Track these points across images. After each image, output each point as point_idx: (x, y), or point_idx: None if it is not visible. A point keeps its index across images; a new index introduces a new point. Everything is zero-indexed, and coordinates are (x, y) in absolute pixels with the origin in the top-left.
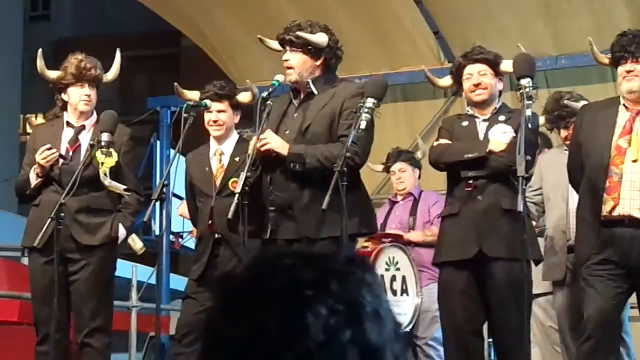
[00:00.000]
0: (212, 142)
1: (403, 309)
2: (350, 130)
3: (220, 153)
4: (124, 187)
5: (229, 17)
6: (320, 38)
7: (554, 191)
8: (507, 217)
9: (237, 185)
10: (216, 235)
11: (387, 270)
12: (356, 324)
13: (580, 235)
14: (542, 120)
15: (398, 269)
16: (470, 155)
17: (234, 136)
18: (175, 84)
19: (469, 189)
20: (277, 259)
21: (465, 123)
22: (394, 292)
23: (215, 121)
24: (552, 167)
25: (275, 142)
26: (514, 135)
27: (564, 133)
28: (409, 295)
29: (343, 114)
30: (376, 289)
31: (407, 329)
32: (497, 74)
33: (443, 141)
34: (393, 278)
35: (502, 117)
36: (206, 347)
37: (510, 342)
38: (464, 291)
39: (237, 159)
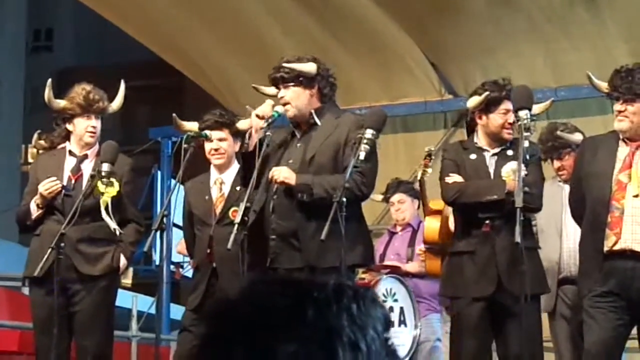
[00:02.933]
0: (213, 171)
1: (401, 340)
2: (350, 161)
3: (220, 182)
4: (115, 226)
5: (228, 56)
6: (309, 67)
7: (548, 223)
8: (525, 255)
9: (236, 214)
10: (214, 265)
11: (384, 301)
12: (328, 354)
13: (582, 269)
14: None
15: (396, 300)
16: (490, 198)
17: (235, 165)
18: (174, 115)
19: (486, 229)
20: (259, 284)
21: (473, 156)
22: (392, 324)
23: (216, 149)
24: (545, 198)
25: (284, 172)
26: (526, 172)
27: (557, 164)
28: (407, 327)
29: (348, 145)
30: (362, 320)
31: (406, 359)
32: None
33: (456, 177)
34: (390, 309)
35: (510, 152)
36: (197, 346)
37: None
38: (476, 326)
39: (238, 188)
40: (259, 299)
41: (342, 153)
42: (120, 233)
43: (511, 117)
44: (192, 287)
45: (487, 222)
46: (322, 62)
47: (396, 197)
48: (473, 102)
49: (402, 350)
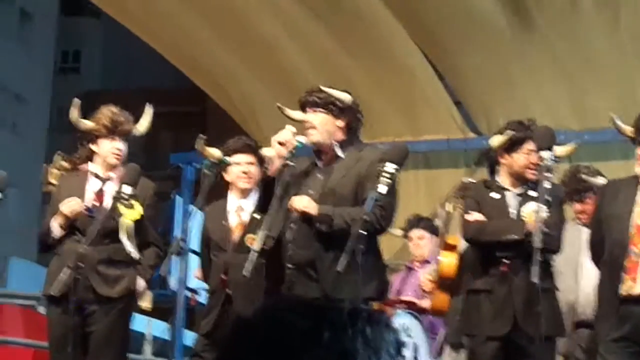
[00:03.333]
0: (232, 197)
1: None
2: (370, 194)
3: (240, 209)
4: (131, 249)
5: (252, 78)
6: (344, 96)
7: (566, 265)
8: (543, 296)
9: (253, 241)
10: (228, 291)
11: None
12: None
13: (599, 313)
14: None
15: (410, 336)
16: (509, 237)
17: (255, 194)
18: (200, 135)
19: (504, 268)
20: (277, 305)
21: (495, 195)
22: (404, 345)
23: (245, 173)
24: (564, 241)
25: (304, 202)
26: (548, 213)
27: (578, 207)
28: None
29: (369, 178)
30: (376, 343)
31: None
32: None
33: (476, 215)
34: (402, 345)
35: (533, 193)
36: None
37: None
38: None
39: (257, 215)
40: (279, 320)
41: (363, 186)
42: (138, 258)
43: (535, 158)
44: (205, 312)
45: (506, 261)
46: (353, 96)
47: (415, 233)
48: (497, 141)
49: None
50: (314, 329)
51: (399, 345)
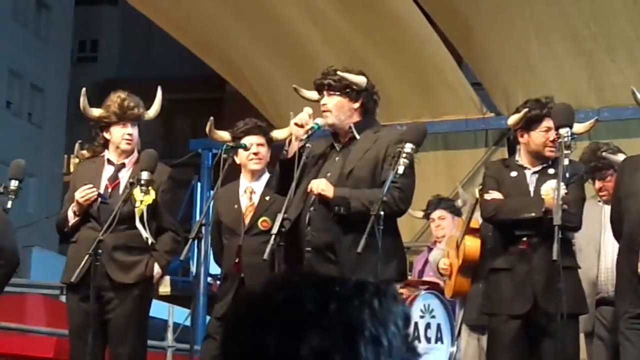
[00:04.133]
0: (243, 179)
1: (437, 357)
2: (388, 175)
3: (251, 191)
4: (147, 235)
5: (271, 63)
6: (360, 79)
7: (587, 243)
8: (563, 274)
9: (267, 224)
10: (242, 275)
11: (421, 317)
12: (350, 347)
13: (618, 290)
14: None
15: (433, 317)
16: (527, 215)
17: (266, 175)
18: (211, 118)
19: (523, 246)
20: (287, 278)
21: (514, 174)
22: (429, 340)
23: (256, 154)
24: (585, 218)
25: (322, 185)
26: (566, 191)
27: (598, 184)
28: (444, 344)
29: (387, 160)
30: (383, 316)
31: None
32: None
33: (495, 194)
34: (428, 326)
35: (551, 171)
36: (222, 356)
37: None
38: (512, 342)
39: (267, 197)
40: (291, 289)
41: (380, 168)
42: (152, 243)
43: (552, 135)
44: (220, 295)
45: (525, 239)
46: (369, 77)
47: (437, 214)
48: (513, 119)
49: None
50: (320, 300)
51: (407, 317)
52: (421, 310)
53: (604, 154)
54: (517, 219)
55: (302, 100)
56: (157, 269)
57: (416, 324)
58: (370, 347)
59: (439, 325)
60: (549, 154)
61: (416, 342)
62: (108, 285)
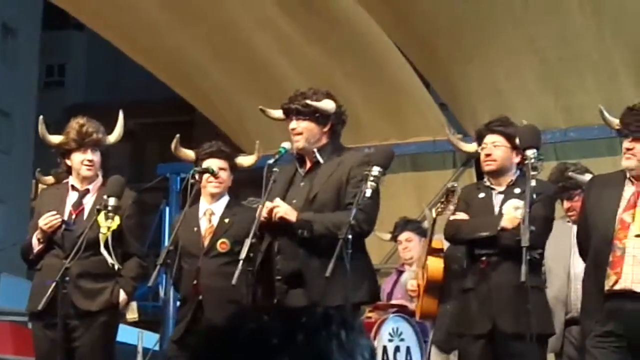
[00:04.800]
0: (202, 202)
1: None
2: (356, 199)
3: (210, 213)
4: (112, 261)
5: (237, 86)
6: (328, 105)
7: (556, 262)
8: (520, 293)
9: (225, 246)
10: (200, 297)
11: (390, 341)
12: None
13: (585, 308)
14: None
15: (402, 340)
16: (482, 234)
17: (225, 197)
18: (177, 135)
19: (483, 265)
20: (251, 312)
21: (481, 195)
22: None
23: (216, 177)
24: (554, 238)
25: (284, 209)
26: (528, 210)
27: (566, 204)
28: None
29: (350, 182)
30: (351, 347)
31: None
32: (515, 147)
33: (459, 215)
34: (397, 349)
35: (517, 190)
36: None
37: None
38: None
39: (226, 220)
40: (252, 325)
41: (344, 190)
42: (118, 268)
43: (488, 150)
44: (178, 319)
45: (484, 258)
46: (336, 98)
47: (404, 236)
48: (470, 147)
49: None
50: (287, 332)
51: (372, 351)
52: (389, 334)
53: (571, 174)
54: (473, 238)
55: (271, 125)
56: (122, 295)
57: (385, 347)
58: None
59: (408, 348)
60: (485, 169)
61: None
62: (73, 313)
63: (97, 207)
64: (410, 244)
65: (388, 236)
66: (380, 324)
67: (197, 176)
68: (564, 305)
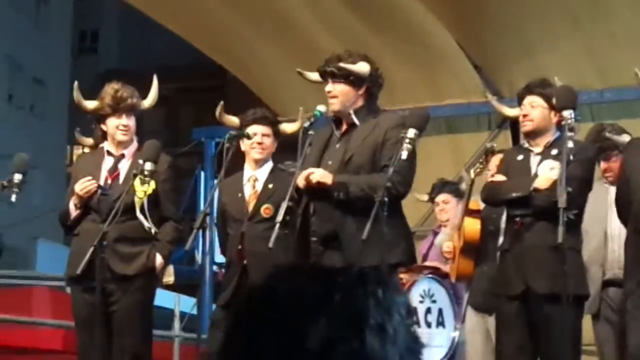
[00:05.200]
0: (247, 168)
1: (438, 341)
2: (392, 161)
3: (254, 179)
4: (148, 224)
5: (271, 50)
6: (362, 68)
7: (593, 224)
8: (554, 254)
9: (269, 211)
10: (245, 262)
11: (421, 302)
12: (356, 336)
13: (626, 271)
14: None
15: (434, 302)
16: (515, 195)
17: (269, 164)
18: (221, 102)
19: (517, 226)
20: (288, 272)
21: (520, 157)
22: (429, 324)
23: (259, 143)
24: (590, 200)
25: (319, 174)
26: (559, 170)
27: (603, 165)
28: (446, 328)
29: (386, 145)
30: (387, 304)
31: None
32: (553, 108)
33: (497, 177)
34: (428, 310)
35: (554, 152)
36: (223, 350)
37: None
38: (513, 324)
39: (270, 185)
40: (291, 285)
41: (379, 153)
42: (155, 232)
43: (525, 110)
44: (224, 284)
45: (518, 219)
46: (373, 61)
47: (441, 197)
48: (512, 111)
49: (440, 352)
50: (324, 292)
51: (409, 308)
52: (420, 295)
53: (608, 134)
54: (506, 199)
55: (305, 90)
56: (159, 259)
57: (415, 309)
58: (375, 335)
59: (440, 310)
60: (522, 129)
61: (416, 327)
62: (110, 278)
63: (133, 171)
64: (447, 206)
65: (426, 197)
66: (411, 285)
67: (233, 140)
68: (601, 267)
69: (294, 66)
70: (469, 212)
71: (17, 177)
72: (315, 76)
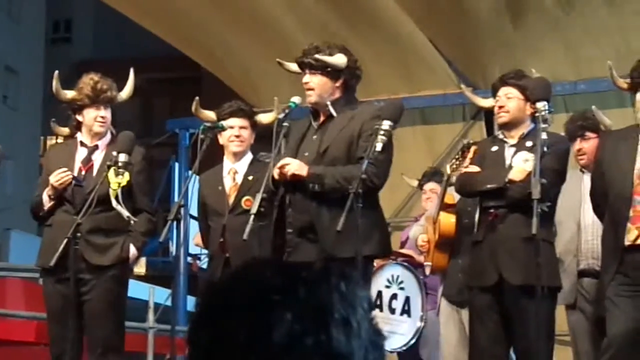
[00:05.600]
0: (226, 161)
1: (402, 329)
2: (367, 153)
3: (234, 172)
4: (127, 214)
5: (245, 42)
6: (339, 60)
7: (566, 215)
8: (527, 245)
9: (250, 203)
10: (227, 255)
11: (387, 287)
12: (322, 330)
13: (604, 264)
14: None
15: (402, 289)
16: (489, 186)
17: (249, 156)
18: (197, 98)
19: (491, 218)
20: (251, 268)
21: (494, 148)
22: (392, 311)
23: (237, 136)
24: (564, 190)
25: (294, 165)
26: (533, 161)
27: (578, 145)
28: (411, 317)
29: (362, 136)
30: (351, 298)
31: (402, 349)
32: (528, 99)
33: (471, 168)
34: (393, 296)
35: (529, 143)
36: (188, 351)
37: None
38: (486, 315)
39: (250, 177)
40: (254, 279)
41: (355, 145)
42: (134, 221)
43: (500, 102)
44: (207, 277)
45: (492, 211)
46: (351, 52)
47: (429, 186)
48: (487, 102)
49: (401, 340)
50: (289, 286)
51: (370, 303)
52: (388, 280)
53: (593, 108)
54: (481, 190)
55: (278, 79)
56: (132, 250)
57: (380, 292)
58: (341, 329)
59: (407, 298)
60: (498, 121)
61: (377, 310)
62: (84, 268)
63: (108, 163)
64: (434, 195)
65: (415, 183)
66: (378, 269)
67: (207, 132)
68: (575, 257)
69: (268, 56)
70: (444, 207)
71: None
72: (294, 67)
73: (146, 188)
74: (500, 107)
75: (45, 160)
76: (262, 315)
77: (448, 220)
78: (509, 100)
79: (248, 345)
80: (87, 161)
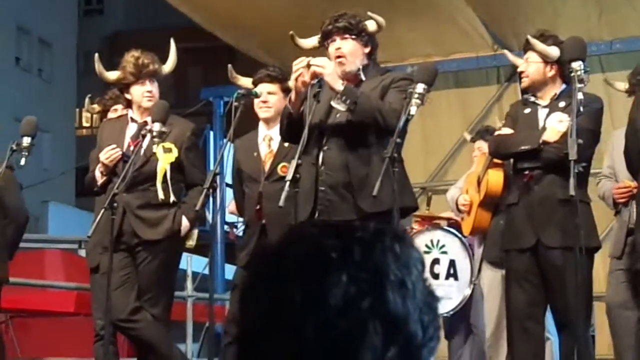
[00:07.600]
0: (261, 127)
1: (447, 293)
2: (401, 114)
3: (269, 138)
4: (162, 197)
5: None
6: (372, 25)
7: (623, 170)
8: (564, 206)
9: (286, 170)
10: (263, 222)
11: (427, 252)
12: (378, 292)
13: (638, 222)
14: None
15: (444, 252)
16: (523, 148)
17: None
18: (230, 65)
19: (525, 179)
20: (305, 229)
21: (527, 110)
22: (436, 276)
23: (264, 102)
24: (621, 146)
25: (329, 70)
26: (569, 122)
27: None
28: (458, 281)
29: (390, 90)
30: (405, 259)
31: (449, 314)
32: (546, 62)
33: (505, 130)
34: (435, 261)
35: (562, 104)
36: (240, 311)
37: (569, 330)
38: (524, 277)
39: (286, 144)
40: (308, 241)
41: (386, 94)
42: (173, 201)
43: (522, 67)
44: (243, 244)
45: (527, 172)
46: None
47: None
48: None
49: (449, 304)
50: (344, 247)
51: (423, 264)
52: (427, 246)
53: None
54: (515, 152)
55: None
56: (185, 222)
57: None
58: (396, 290)
59: (452, 261)
60: (521, 85)
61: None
62: (137, 243)
63: (142, 132)
64: (480, 154)
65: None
66: (415, 235)
67: (241, 100)
68: (629, 213)
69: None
70: (493, 165)
71: (26, 140)
72: (306, 42)
73: (197, 162)
74: (521, 72)
75: (98, 136)
76: (318, 276)
77: (497, 178)
78: (529, 65)
79: (303, 308)
80: (136, 137)
